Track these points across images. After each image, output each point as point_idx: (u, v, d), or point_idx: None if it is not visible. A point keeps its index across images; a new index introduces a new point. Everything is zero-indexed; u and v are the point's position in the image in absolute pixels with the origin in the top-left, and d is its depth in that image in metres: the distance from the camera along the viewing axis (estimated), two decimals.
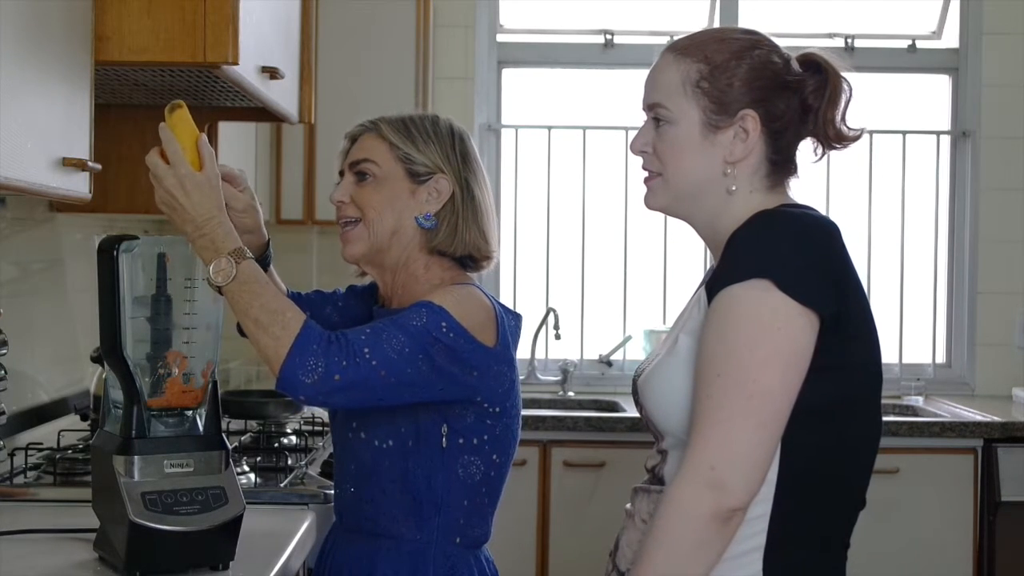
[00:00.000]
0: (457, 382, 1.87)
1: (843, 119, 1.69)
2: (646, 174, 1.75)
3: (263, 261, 1.98)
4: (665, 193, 1.72)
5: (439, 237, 1.97)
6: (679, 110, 1.68)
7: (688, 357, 1.62)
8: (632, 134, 1.78)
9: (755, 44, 1.68)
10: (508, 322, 1.96)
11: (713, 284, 1.61)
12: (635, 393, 1.76)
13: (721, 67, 1.66)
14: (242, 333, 2.04)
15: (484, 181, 2.03)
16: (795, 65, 1.69)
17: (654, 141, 1.72)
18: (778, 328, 1.54)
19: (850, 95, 1.69)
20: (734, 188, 1.67)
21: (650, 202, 1.75)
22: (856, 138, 1.71)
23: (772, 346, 1.53)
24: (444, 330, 1.83)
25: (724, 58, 1.66)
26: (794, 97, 1.68)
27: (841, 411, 1.62)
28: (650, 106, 1.72)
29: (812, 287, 1.55)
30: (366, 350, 1.78)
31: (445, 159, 1.98)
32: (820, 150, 1.73)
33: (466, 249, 1.99)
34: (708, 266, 1.89)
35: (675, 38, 1.75)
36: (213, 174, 1.80)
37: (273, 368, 1.76)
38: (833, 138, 1.70)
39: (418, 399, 1.86)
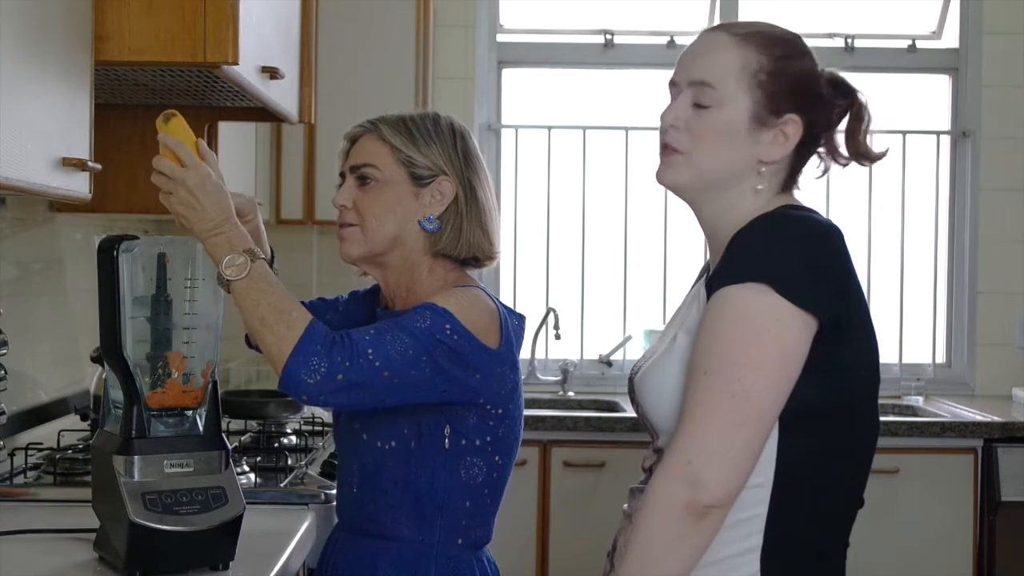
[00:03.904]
0: (460, 384, 1.87)
1: (864, 139, 1.69)
2: (664, 146, 1.69)
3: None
4: (686, 172, 1.67)
5: (443, 240, 1.97)
6: (730, 96, 1.64)
7: (685, 355, 1.62)
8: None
9: (804, 50, 1.68)
10: (511, 323, 1.96)
11: (712, 283, 1.61)
12: (631, 391, 1.76)
13: (780, 65, 1.64)
14: (250, 345, 2.05)
15: (486, 179, 2.02)
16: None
17: (689, 118, 1.66)
18: (768, 330, 1.53)
19: (870, 120, 1.69)
20: (760, 188, 1.66)
21: (665, 177, 1.69)
22: (882, 156, 1.71)
23: (762, 347, 1.53)
24: (448, 332, 1.83)
25: (782, 54, 1.65)
26: (826, 111, 1.68)
27: (838, 413, 1.62)
28: (694, 83, 1.66)
29: (811, 291, 1.55)
30: (369, 351, 1.78)
31: (447, 160, 1.97)
32: (823, 167, 1.73)
33: (470, 251, 1.98)
34: (704, 263, 1.89)
35: (725, 23, 1.72)
36: (219, 175, 1.81)
37: (276, 367, 1.76)
38: (863, 156, 1.70)
39: (420, 400, 1.86)
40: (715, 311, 1.57)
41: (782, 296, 1.53)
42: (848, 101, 1.69)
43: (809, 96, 1.66)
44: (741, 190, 1.66)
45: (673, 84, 1.70)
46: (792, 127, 1.64)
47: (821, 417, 1.60)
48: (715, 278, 1.61)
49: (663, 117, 1.69)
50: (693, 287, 1.82)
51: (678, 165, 1.68)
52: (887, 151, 1.72)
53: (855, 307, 1.61)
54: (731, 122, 1.64)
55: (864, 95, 1.70)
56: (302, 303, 2.16)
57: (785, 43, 1.67)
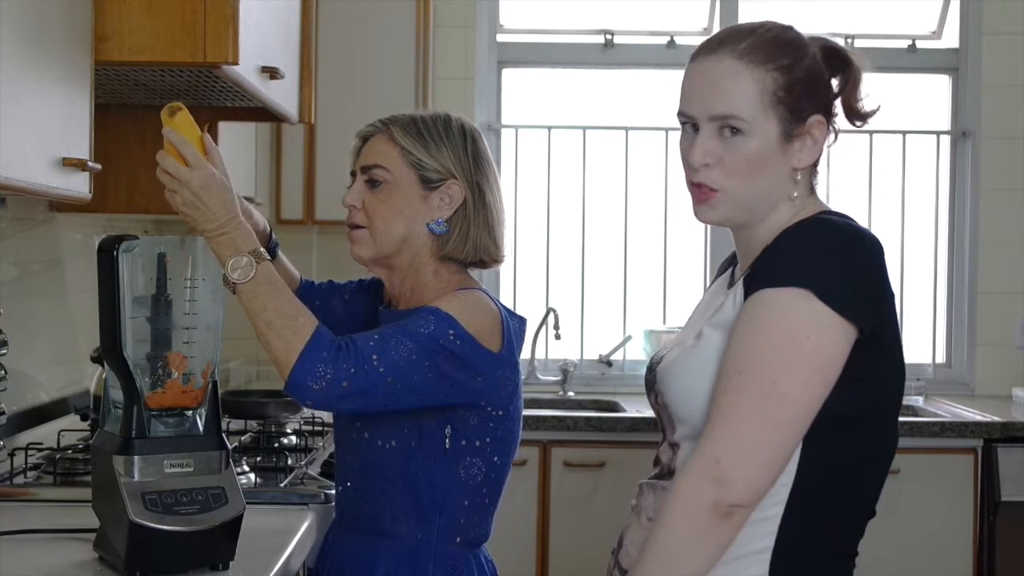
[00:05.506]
0: (462, 387, 1.87)
1: (859, 99, 1.67)
2: (697, 186, 1.64)
3: (270, 250, 2.01)
4: (728, 208, 1.63)
5: (451, 243, 1.97)
6: (758, 124, 1.59)
7: (716, 351, 1.61)
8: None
9: (802, 43, 1.64)
10: (512, 326, 1.96)
11: (750, 284, 1.59)
12: (650, 381, 1.75)
13: (791, 74, 1.61)
14: None
15: (495, 182, 2.01)
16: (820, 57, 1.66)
17: (719, 153, 1.61)
18: (807, 336, 1.52)
19: (860, 75, 1.66)
20: (796, 194, 1.65)
21: (708, 217, 1.66)
22: (874, 112, 1.68)
23: (798, 352, 1.53)
24: (451, 338, 1.84)
25: (789, 62, 1.61)
26: (831, 92, 1.67)
27: (866, 423, 1.62)
28: (718, 117, 1.60)
29: (853, 299, 1.54)
30: (374, 357, 1.78)
31: (457, 163, 1.97)
32: (833, 136, 1.69)
33: (476, 254, 1.98)
34: (711, 263, 1.88)
35: (720, 36, 1.65)
36: (224, 172, 1.80)
37: (282, 372, 1.76)
38: (857, 118, 1.68)
39: (424, 404, 1.86)
40: (753, 312, 1.56)
41: (823, 302, 1.52)
42: (848, 70, 1.66)
43: (821, 89, 1.64)
44: (780, 201, 1.64)
45: (683, 115, 1.65)
46: (818, 128, 1.63)
47: (849, 425, 1.59)
48: (753, 279, 1.59)
49: (692, 159, 1.63)
50: (714, 282, 1.82)
51: (719, 204, 1.64)
52: (879, 108, 1.68)
53: (889, 317, 1.60)
54: (764, 148, 1.61)
55: (855, 56, 1.66)
56: (313, 283, 2.17)
57: (786, 46, 1.63)
